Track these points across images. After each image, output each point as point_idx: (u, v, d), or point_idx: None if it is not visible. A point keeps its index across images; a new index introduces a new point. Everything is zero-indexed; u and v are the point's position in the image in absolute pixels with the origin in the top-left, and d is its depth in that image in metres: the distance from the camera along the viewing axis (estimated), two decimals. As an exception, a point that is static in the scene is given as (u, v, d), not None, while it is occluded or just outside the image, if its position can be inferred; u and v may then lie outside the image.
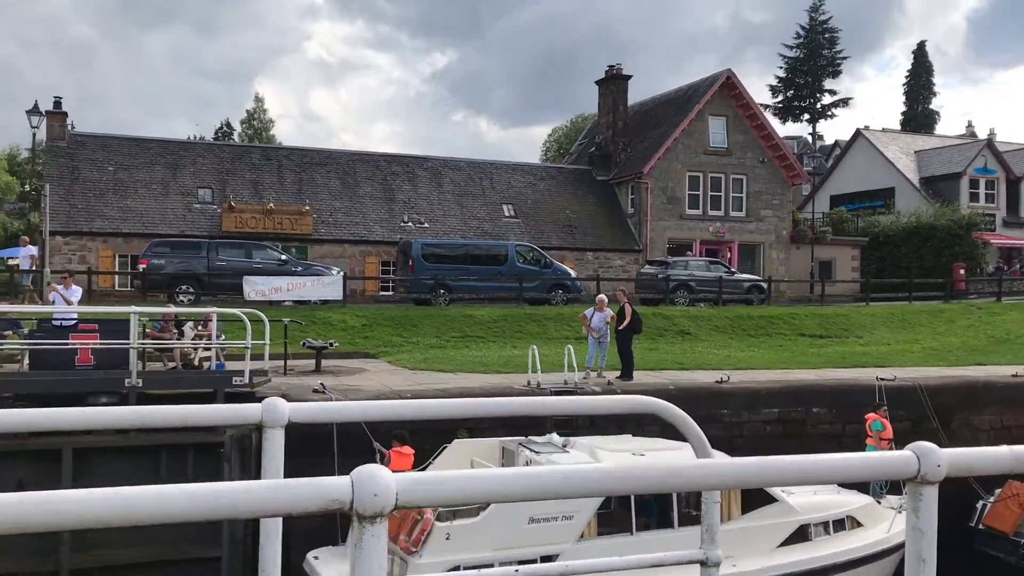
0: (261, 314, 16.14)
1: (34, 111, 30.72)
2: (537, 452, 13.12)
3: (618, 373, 18.79)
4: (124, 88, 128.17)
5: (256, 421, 2.53)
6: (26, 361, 16.03)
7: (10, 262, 30.93)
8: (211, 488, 1.46)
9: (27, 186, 63.53)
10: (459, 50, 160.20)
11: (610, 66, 45.27)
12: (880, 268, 46.17)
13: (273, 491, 1.52)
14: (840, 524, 14.02)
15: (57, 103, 34.33)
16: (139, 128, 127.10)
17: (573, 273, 32.80)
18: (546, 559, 11.61)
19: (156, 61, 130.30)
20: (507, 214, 39.96)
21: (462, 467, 13.55)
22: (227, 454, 14.56)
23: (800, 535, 13.49)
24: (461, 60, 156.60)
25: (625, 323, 18.97)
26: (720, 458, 2.87)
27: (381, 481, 1.55)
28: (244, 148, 41.84)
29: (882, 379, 18.87)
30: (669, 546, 11.83)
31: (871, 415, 16.53)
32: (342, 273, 27.95)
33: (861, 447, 15.73)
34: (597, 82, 45.93)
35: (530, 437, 13.88)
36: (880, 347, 26.76)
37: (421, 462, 13.36)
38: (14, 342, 16.61)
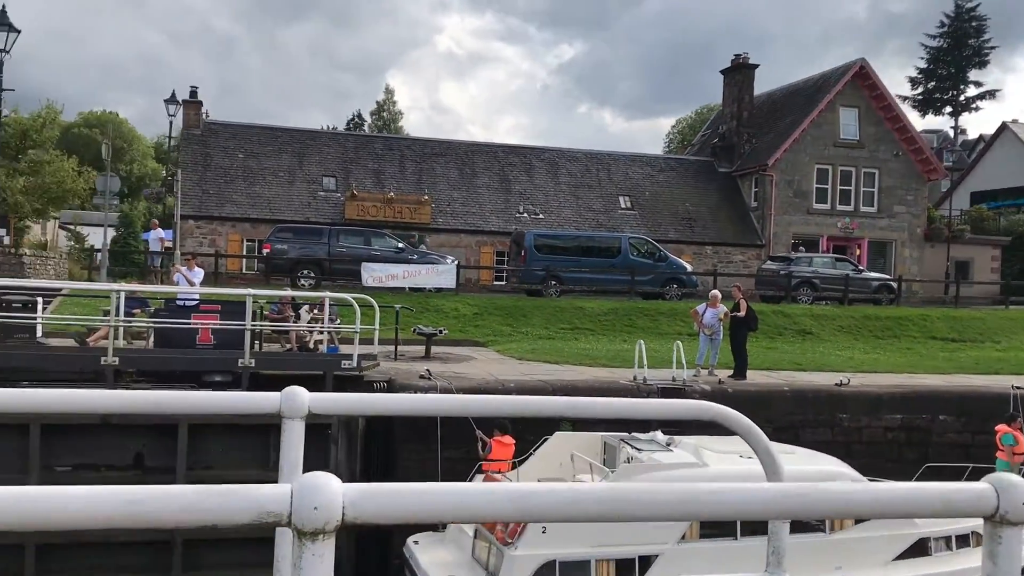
0: (371, 300, 16.35)
1: (171, 100, 32.17)
2: (639, 449, 12.77)
3: (730, 372, 18.17)
4: (262, 80, 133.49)
5: (274, 411, 2.39)
6: (152, 339, 16.77)
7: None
8: (127, 493, 1.31)
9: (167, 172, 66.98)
10: (586, 42, 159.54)
11: (736, 55, 43.97)
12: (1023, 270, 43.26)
13: (197, 499, 1.35)
14: (964, 540, 13.07)
15: (193, 92, 35.86)
16: (276, 119, 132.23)
17: (689, 267, 32.03)
18: (644, 559, 11.31)
19: (294, 54, 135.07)
20: (623, 206, 39.39)
21: (562, 460, 13.35)
22: (334, 436, 14.82)
23: (919, 549, 12.65)
24: (588, 52, 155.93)
25: (739, 319, 18.32)
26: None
27: (325, 492, 1.36)
28: (368, 138, 42.76)
29: (1019, 388, 17.58)
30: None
31: (1003, 427, 15.37)
32: (456, 262, 28.17)
33: (991, 460, 14.67)
34: (722, 71, 44.70)
35: (633, 433, 13.54)
36: (1019, 353, 25.00)
37: (522, 453, 13.25)
38: (142, 320, 17.40)
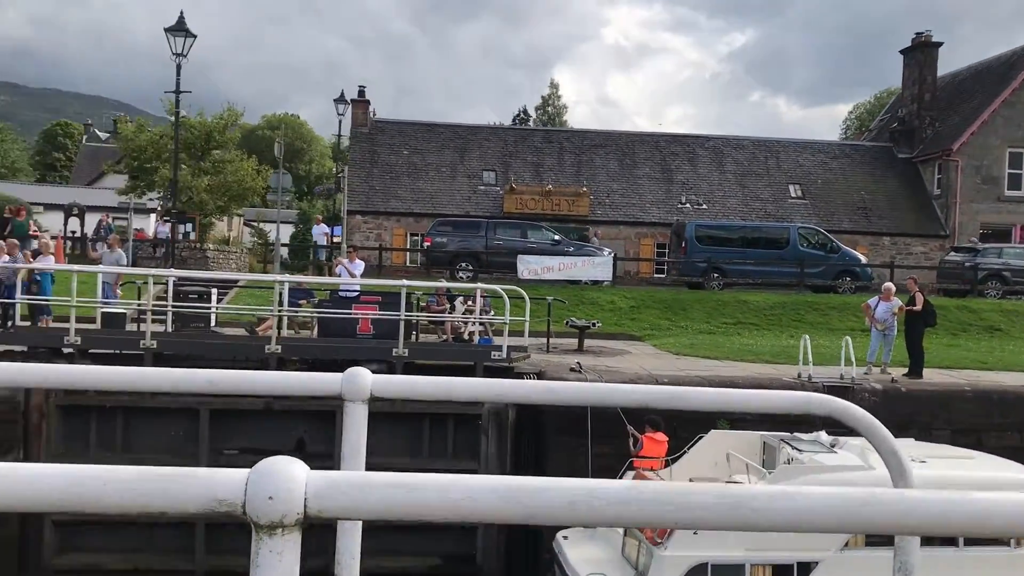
0: (522, 292, 16.30)
1: (340, 100, 33.46)
2: (800, 450, 12.06)
3: (904, 370, 16.93)
4: (436, 79, 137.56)
5: (335, 393, 2.23)
6: (316, 328, 17.42)
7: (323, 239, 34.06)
8: (70, 474, 1.16)
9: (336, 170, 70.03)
10: (759, 28, 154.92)
11: (917, 33, 41.11)
12: None
13: (141, 482, 1.18)
14: None
15: (361, 92, 37.18)
16: (446, 117, 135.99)
17: (863, 259, 30.25)
18: (803, 566, 10.68)
19: (466, 52, 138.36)
20: (793, 195, 37.70)
21: (717, 459, 12.82)
22: (484, 426, 14.87)
23: None
24: (760, 39, 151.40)
25: (915, 314, 17.03)
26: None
27: (282, 480, 1.16)
28: (527, 131, 42.99)
29: None
30: (952, 568, 10.40)
31: None
32: (612, 254, 27.81)
33: None
34: (902, 51, 41.93)
35: (795, 433, 12.81)
36: None
37: (675, 451, 12.82)
38: (307, 310, 18.13)
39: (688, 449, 12.78)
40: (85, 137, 76.12)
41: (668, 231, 33.34)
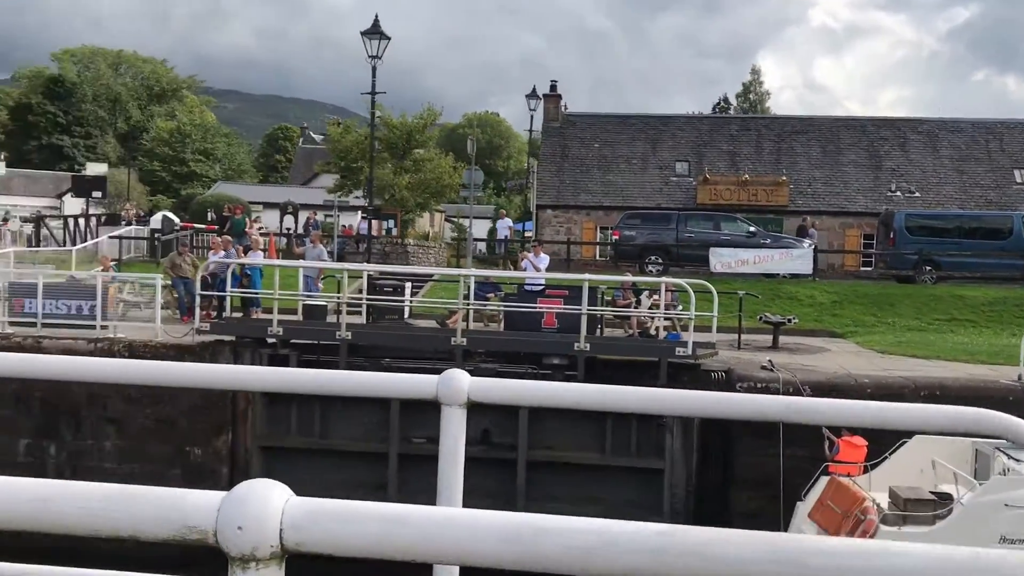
0: (709, 285, 15.75)
1: (532, 95, 33.78)
2: (1019, 460, 10.90)
3: None
4: (632, 72, 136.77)
5: (431, 396, 2.10)
6: (502, 322, 17.65)
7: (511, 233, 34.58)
8: (38, 488, 1.08)
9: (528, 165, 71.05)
10: (984, 2, 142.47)
11: None
12: None
13: (107, 503, 1.07)
14: None
15: (552, 86, 37.38)
16: (641, 109, 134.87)
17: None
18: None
19: (661, 44, 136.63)
20: (1019, 180, 34.34)
21: (922, 467, 11.85)
22: (669, 426, 14.49)
23: None
24: (986, 13, 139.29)
25: None
26: None
27: (254, 508, 1.02)
28: (722, 120, 41.75)
29: None
30: None
31: None
32: (812, 246, 26.40)
33: None
34: None
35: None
36: None
37: (876, 456, 11.96)
38: (494, 304, 18.40)
39: (889, 455, 11.88)
40: (301, 140, 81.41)
41: (875, 221, 31.29)
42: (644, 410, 2.17)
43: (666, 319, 17.52)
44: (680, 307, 17.72)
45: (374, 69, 22.34)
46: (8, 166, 70.29)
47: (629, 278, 19.45)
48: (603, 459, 14.60)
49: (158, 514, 1.07)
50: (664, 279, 16.98)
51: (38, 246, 29.63)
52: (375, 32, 21.98)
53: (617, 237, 28.01)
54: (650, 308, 17.97)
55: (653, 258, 26.90)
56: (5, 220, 35.49)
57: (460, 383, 2.12)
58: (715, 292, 15.57)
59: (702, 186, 33.80)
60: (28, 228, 34.19)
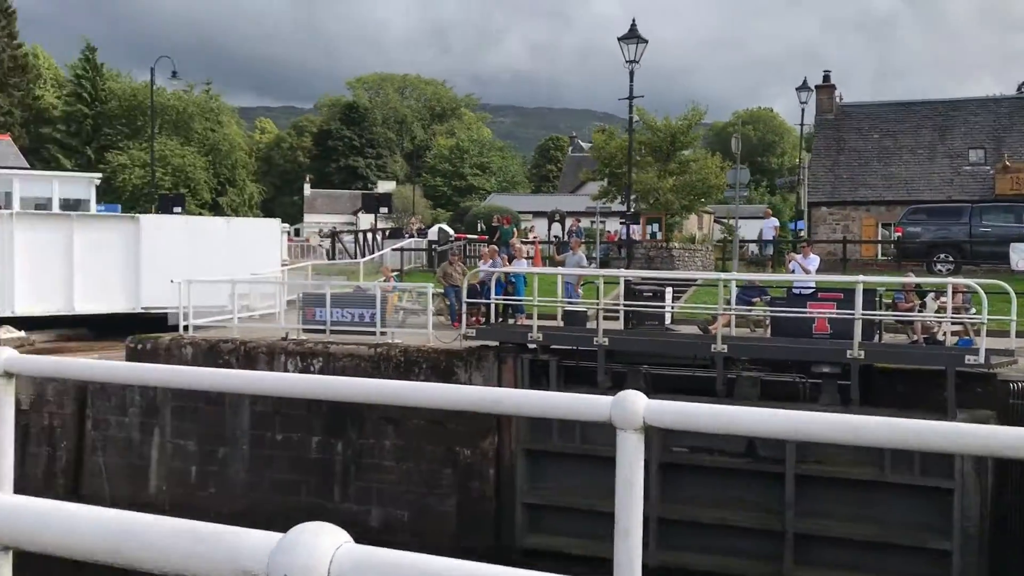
0: (1005, 285, 14.09)
1: (803, 87, 32.17)
2: None
3: None
4: (924, 55, 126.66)
5: (604, 419, 1.97)
6: (769, 327, 16.87)
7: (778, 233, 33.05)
8: (102, 518, 1.07)
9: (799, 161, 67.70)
10: None
11: None
12: None
13: (169, 539, 1.04)
14: None
15: (825, 77, 35.35)
16: (937, 93, 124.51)
17: None
18: None
19: (959, 21, 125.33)
20: None
21: None
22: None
23: None
24: None
25: None
26: None
27: (302, 555, 0.95)
28: (1026, 100, 37.29)
29: None
30: None
31: None
32: None
33: None
34: None
35: None
36: None
37: None
38: (760, 308, 17.64)
39: None
40: (570, 148, 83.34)
41: None
42: (850, 442, 1.89)
43: (955, 323, 15.87)
44: (973, 310, 16.01)
45: (631, 73, 22.30)
46: (312, 187, 78.29)
47: (912, 279, 17.88)
48: (881, 475, 13.45)
49: (214, 555, 1.05)
50: (951, 279, 15.39)
51: (334, 259, 32.62)
52: (632, 36, 21.94)
53: (900, 234, 25.96)
54: (937, 311, 16.38)
55: (942, 256, 24.64)
56: (327, 235, 39.57)
57: (635, 405, 1.96)
58: (1013, 293, 13.89)
59: (1001, 175, 30.44)
60: (327, 243, 37.79)
